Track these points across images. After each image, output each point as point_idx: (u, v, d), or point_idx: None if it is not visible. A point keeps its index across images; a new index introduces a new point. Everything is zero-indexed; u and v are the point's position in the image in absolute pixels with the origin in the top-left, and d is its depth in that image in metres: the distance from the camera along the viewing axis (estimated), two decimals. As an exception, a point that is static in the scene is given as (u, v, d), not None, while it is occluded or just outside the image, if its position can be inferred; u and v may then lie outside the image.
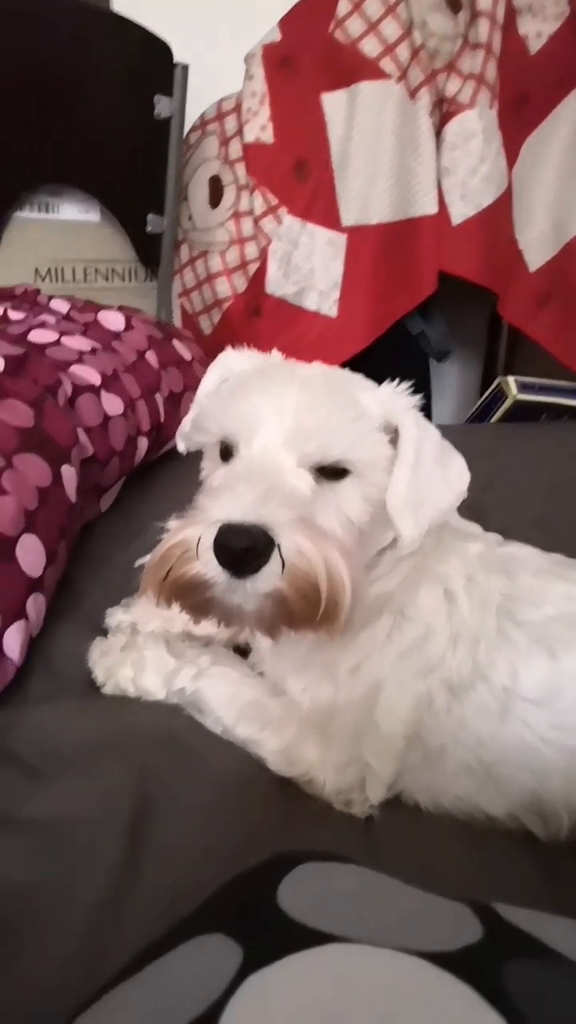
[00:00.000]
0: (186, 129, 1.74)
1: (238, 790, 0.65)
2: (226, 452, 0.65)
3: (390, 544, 0.69)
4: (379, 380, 0.70)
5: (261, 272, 1.76)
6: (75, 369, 1.04)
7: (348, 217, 1.72)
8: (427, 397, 0.70)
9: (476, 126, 1.67)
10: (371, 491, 0.64)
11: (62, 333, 1.10)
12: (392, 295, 1.76)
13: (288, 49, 1.66)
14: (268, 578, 0.55)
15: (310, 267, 1.75)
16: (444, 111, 1.69)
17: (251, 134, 1.71)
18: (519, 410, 1.79)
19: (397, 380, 0.69)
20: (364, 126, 1.66)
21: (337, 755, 0.67)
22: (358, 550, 0.65)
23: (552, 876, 0.62)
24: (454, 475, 0.68)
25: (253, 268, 1.77)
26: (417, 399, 0.68)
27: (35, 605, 0.77)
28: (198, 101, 1.74)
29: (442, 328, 1.87)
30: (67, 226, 1.67)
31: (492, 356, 2.24)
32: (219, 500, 0.57)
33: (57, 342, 1.08)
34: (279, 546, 0.54)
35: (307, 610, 0.57)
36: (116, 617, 0.84)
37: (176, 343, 1.34)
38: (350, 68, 1.63)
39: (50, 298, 1.27)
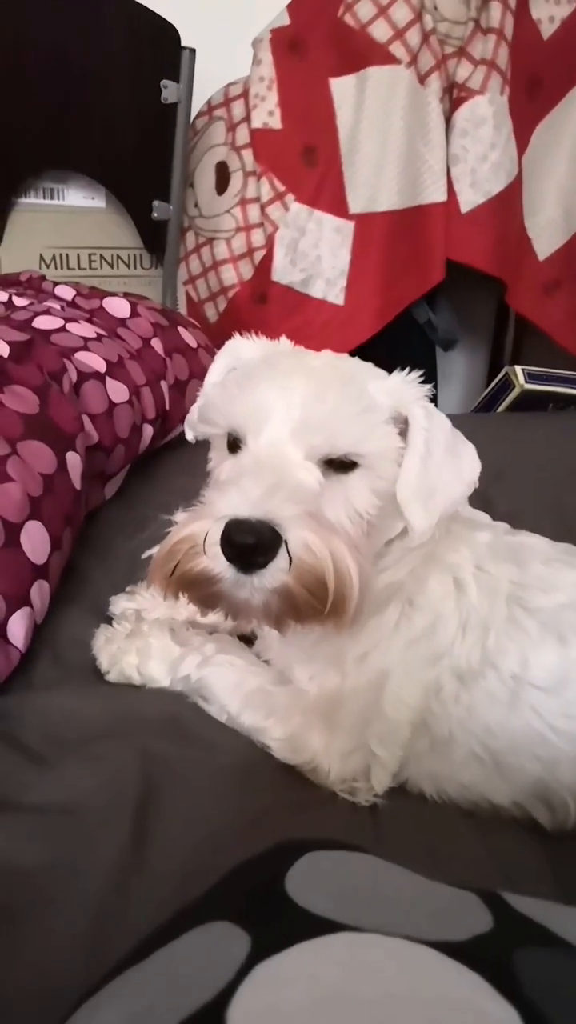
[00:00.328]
0: (193, 115, 1.73)
1: (243, 777, 0.65)
2: (233, 444, 0.65)
3: (400, 534, 0.68)
4: (386, 369, 0.69)
5: (267, 259, 1.74)
6: (80, 356, 1.04)
7: (356, 204, 1.70)
8: (434, 386, 0.69)
9: (487, 112, 1.65)
10: (380, 483, 0.63)
11: (67, 320, 1.10)
12: (399, 283, 1.75)
13: (297, 33, 1.65)
14: (275, 574, 0.54)
15: (317, 254, 1.73)
16: (454, 97, 1.68)
17: (259, 120, 1.70)
18: (526, 400, 1.79)
19: (406, 369, 0.68)
20: (373, 112, 1.64)
21: (342, 743, 0.67)
22: (367, 543, 0.64)
23: (560, 864, 0.62)
24: (465, 465, 0.67)
25: (259, 255, 1.76)
26: (427, 389, 0.67)
27: (40, 592, 0.76)
28: (205, 86, 1.72)
29: (449, 317, 1.86)
30: (72, 212, 1.66)
31: (499, 345, 2.23)
32: (226, 495, 0.56)
33: (62, 329, 1.07)
34: (286, 542, 0.54)
35: (314, 605, 0.57)
36: (121, 604, 0.84)
37: (182, 330, 1.34)
38: (359, 53, 1.62)
39: (55, 284, 1.26)
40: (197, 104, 1.73)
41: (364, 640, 0.68)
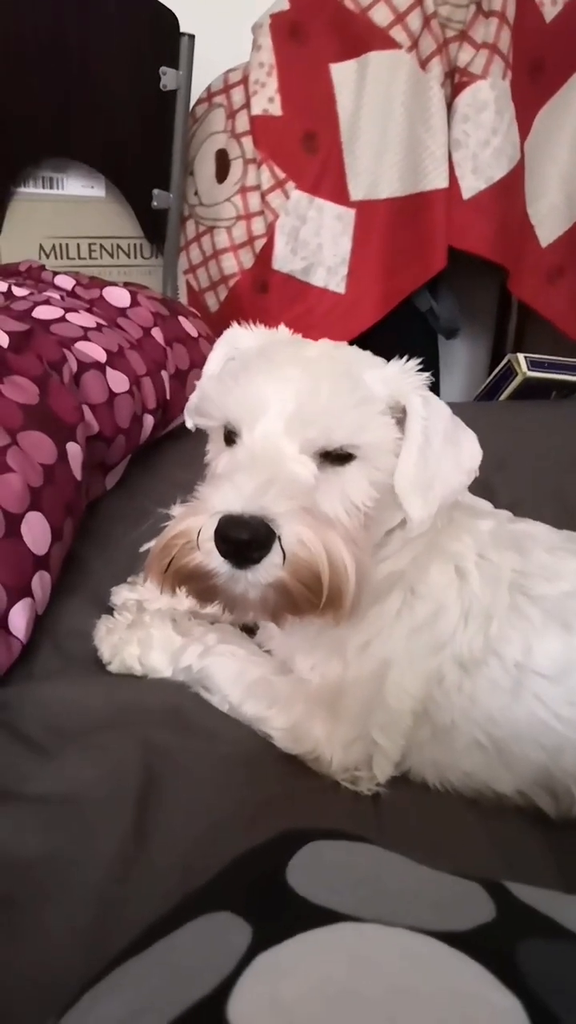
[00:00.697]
0: (192, 102, 1.71)
1: (245, 767, 0.65)
2: (230, 437, 0.64)
3: (400, 523, 0.68)
4: (387, 357, 0.69)
5: (268, 248, 1.73)
6: (80, 346, 1.03)
7: (357, 191, 1.69)
8: (435, 374, 0.69)
9: (489, 97, 1.63)
10: (377, 475, 0.63)
11: (67, 309, 1.09)
12: (401, 271, 1.74)
13: (296, 18, 1.63)
14: (270, 569, 0.55)
15: (318, 243, 1.72)
16: (456, 81, 1.66)
17: (258, 106, 1.68)
18: (528, 388, 1.78)
19: (405, 357, 0.67)
20: (374, 97, 1.63)
21: (344, 732, 0.66)
22: (365, 535, 0.64)
23: (563, 854, 0.62)
24: (465, 454, 0.67)
25: (260, 244, 1.75)
26: (425, 377, 0.67)
27: (41, 583, 0.76)
28: (204, 73, 1.71)
29: (451, 305, 1.84)
30: (72, 202, 1.65)
31: (501, 333, 2.22)
32: (220, 489, 0.56)
33: (62, 318, 1.06)
34: (279, 537, 0.54)
35: (310, 598, 0.57)
36: (122, 595, 0.83)
37: (182, 320, 1.33)
38: (360, 37, 1.60)
39: (55, 274, 1.26)
40: (196, 91, 1.72)
41: (366, 629, 0.68)
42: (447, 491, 0.65)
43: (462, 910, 0.28)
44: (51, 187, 1.62)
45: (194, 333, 1.34)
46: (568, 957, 0.26)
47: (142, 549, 0.84)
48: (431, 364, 0.67)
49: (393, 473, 0.64)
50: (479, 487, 0.75)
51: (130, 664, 0.74)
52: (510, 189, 1.72)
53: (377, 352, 0.70)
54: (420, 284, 1.76)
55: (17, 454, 0.77)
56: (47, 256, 1.63)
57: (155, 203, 1.69)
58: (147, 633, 0.74)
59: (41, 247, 1.62)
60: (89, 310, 1.14)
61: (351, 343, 0.73)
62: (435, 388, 0.67)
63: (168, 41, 1.57)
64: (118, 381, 1.05)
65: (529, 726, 0.67)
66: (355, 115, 1.65)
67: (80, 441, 0.89)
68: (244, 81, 1.71)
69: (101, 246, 1.70)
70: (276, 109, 1.67)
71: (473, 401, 1.96)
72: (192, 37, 1.58)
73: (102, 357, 1.04)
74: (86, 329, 1.07)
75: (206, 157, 1.79)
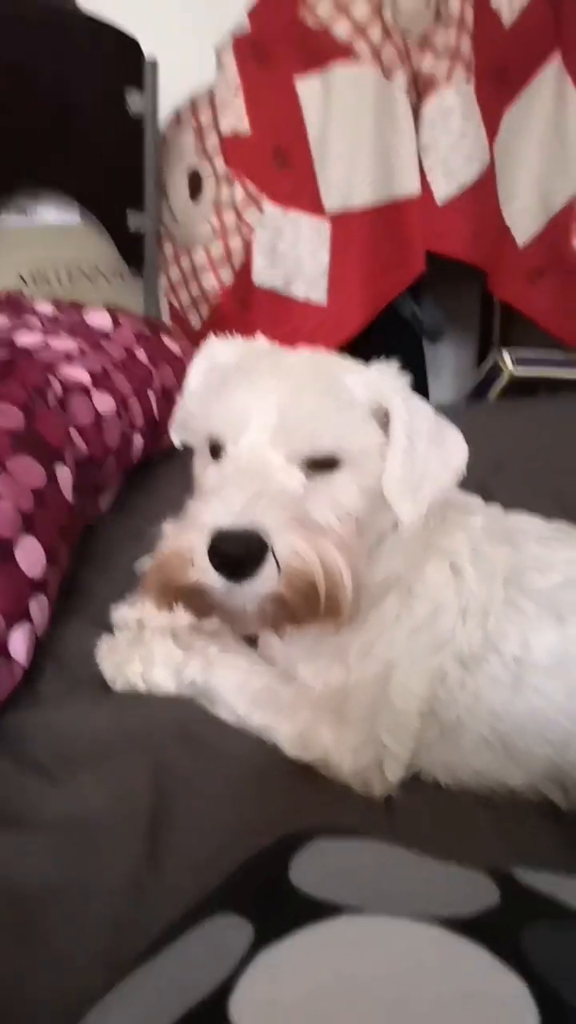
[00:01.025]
0: (161, 125, 1.73)
1: (256, 779, 0.65)
2: (215, 450, 0.64)
3: (393, 526, 0.68)
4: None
5: (247, 263, 1.75)
6: (64, 370, 1.03)
7: (331, 202, 1.71)
8: (423, 378, 0.69)
9: (454, 102, 1.66)
10: (366, 480, 0.63)
11: (48, 335, 1.09)
12: (381, 278, 1.75)
13: (258, 38, 1.65)
14: (265, 581, 0.55)
15: (296, 255, 1.73)
16: (421, 89, 1.68)
17: (227, 125, 1.70)
18: (516, 385, 1.79)
19: (386, 360, 0.68)
20: (341, 109, 1.65)
21: (353, 736, 0.66)
22: (357, 540, 0.64)
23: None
24: (451, 452, 0.67)
25: (239, 260, 1.76)
26: (406, 378, 0.67)
27: (39, 606, 0.76)
28: (172, 96, 1.73)
29: (433, 310, 1.86)
30: (48, 230, 1.66)
31: (487, 331, 2.22)
32: (210, 505, 0.57)
33: (44, 344, 1.07)
34: (273, 549, 0.54)
35: (308, 608, 0.57)
36: (122, 613, 0.83)
37: (165, 339, 1.34)
38: (323, 52, 1.62)
39: (35, 301, 1.26)
40: (164, 114, 1.74)
41: (366, 633, 0.68)
42: (436, 490, 0.65)
43: (466, 896, 0.28)
44: (26, 216, 1.63)
45: (178, 352, 1.34)
46: (573, 939, 0.26)
47: (137, 568, 0.84)
48: (418, 368, 0.68)
49: (381, 477, 0.64)
50: (476, 491, 0.75)
51: (134, 681, 0.73)
52: (483, 191, 1.74)
53: (364, 360, 0.70)
54: (401, 290, 1.77)
55: (6, 480, 0.77)
56: (27, 284, 1.63)
57: (131, 225, 1.70)
58: (148, 650, 0.74)
59: (20, 276, 1.63)
60: (71, 334, 1.14)
61: (337, 352, 0.73)
62: (424, 392, 0.68)
63: (132, 67, 1.59)
64: (104, 402, 1.05)
65: (532, 720, 0.67)
66: (323, 128, 1.67)
67: (69, 464, 0.89)
68: (211, 102, 1.72)
69: (81, 271, 1.70)
70: (245, 127, 1.69)
71: (464, 403, 1.96)
72: (155, 63, 1.61)
73: (87, 380, 1.05)
74: (69, 353, 1.07)
75: (179, 178, 1.80)
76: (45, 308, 1.23)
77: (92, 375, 1.06)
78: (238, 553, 0.54)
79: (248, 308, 1.78)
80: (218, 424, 0.63)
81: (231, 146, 1.71)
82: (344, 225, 1.71)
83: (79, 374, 1.04)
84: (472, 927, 0.25)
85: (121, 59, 1.57)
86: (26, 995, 0.46)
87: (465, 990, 0.23)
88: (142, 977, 0.27)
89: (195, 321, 1.87)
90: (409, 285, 1.77)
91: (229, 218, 1.75)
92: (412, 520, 0.64)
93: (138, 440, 1.14)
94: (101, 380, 1.07)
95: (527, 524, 0.77)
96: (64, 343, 1.09)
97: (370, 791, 0.66)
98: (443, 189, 1.71)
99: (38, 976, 0.48)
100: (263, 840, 0.56)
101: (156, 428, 1.20)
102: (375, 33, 1.60)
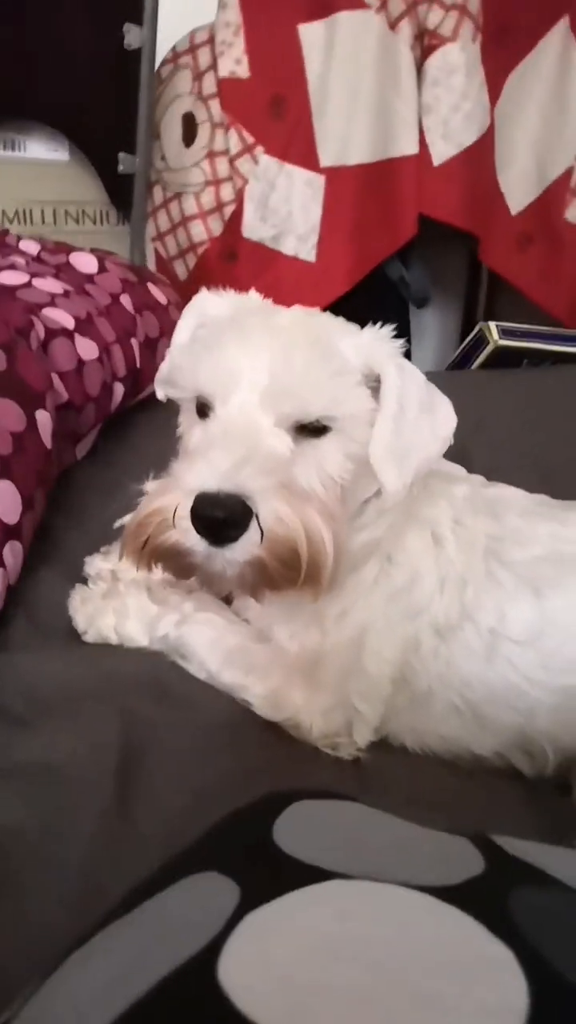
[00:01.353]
0: (157, 62, 1.66)
1: (227, 734, 0.65)
2: (202, 409, 0.63)
3: (376, 492, 0.68)
4: (359, 326, 0.68)
5: (237, 215, 1.70)
6: (48, 312, 1.01)
7: (326, 157, 1.66)
8: (407, 343, 0.68)
9: (459, 60, 1.61)
10: (354, 447, 0.62)
11: (33, 275, 1.06)
12: (371, 239, 1.72)
13: (263, -25, 1.59)
14: (247, 547, 0.54)
15: (288, 210, 1.69)
16: (426, 44, 1.63)
17: (225, 68, 1.64)
18: (500, 356, 1.78)
19: (379, 325, 0.66)
20: (343, 59, 1.60)
21: (324, 699, 0.67)
22: (342, 508, 0.63)
23: (541, 811, 0.63)
24: (440, 421, 0.66)
25: (229, 210, 1.72)
26: (400, 344, 0.66)
27: (12, 552, 0.75)
28: (170, 32, 1.66)
29: (421, 274, 1.83)
30: (35, 165, 1.60)
31: (472, 301, 2.21)
32: (195, 467, 0.56)
33: (28, 284, 1.04)
34: (257, 515, 0.53)
35: (288, 575, 0.57)
36: (96, 565, 0.82)
37: (151, 286, 1.30)
38: (329, -1, 1.57)
39: (19, 239, 1.22)
40: (162, 51, 1.67)
41: (344, 598, 0.68)
42: (422, 460, 0.65)
43: (451, 864, 0.28)
44: (13, 150, 1.57)
45: (164, 300, 1.31)
46: (559, 906, 0.26)
47: (116, 525, 0.83)
48: (403, 333, 0.67)
49: (368, 444, 0.63)
50: (458, 451, 0.75)
51: (106, 634, 0.73)
52: (480, 156, 1.71)
53: (348, 321, 0.69)
54: (391, 252, 1.74)
55: (-15, 423, 0.76)
56: (10, 222, 1.58)
57: (121, 167, 1.64)
58: (122, 602, 0.73)
59: (3, 212, 1.58)
60: (56, 276, 1.11)
61: (322, 311, 0.72)
62: (407, 357, 0.67)
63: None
64: (87, 348, 1.03)
65: (503, 690, 0.68)
66: (324, 78, 1.62)
67: (49, 409, 0.88)
68: (210, 41, 1.66)
69: (66, 211, 1.65)
70: (243, 71, 1.64)
71: (445, 370, 1.95)
72: (156, -4, 1.54)
73: (70, 324, 1.02)
74: (53, 295, 1.04)
75: (173, 120, 1.74)
76: (30, 246, 1.19)
77: (76, 320, 1.03)
78: (222, 517, 0.53)
79: (235, 260, 1.74)
80: (207, 382, 0.62)
81: (228, 89, 1.65)
82: (338, 181, 1.67)
83: (63, 317, 1.02)
84: (459, 895, 0.26)
85: (119, -11, 1.50)
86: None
87: (454, 955, 0.24)
88: (122, 931, 0.27)
89: (181, 271, 1.83)
90: (400, 248, 1.75)
91: (222, 167, 1.70)
92: (397, 489, 0.63)
93: (119, 389, 1.11)
94: (84, 326, 1.04)
95: (510, 496, 0.77)
96: (49, 284, 1.06)
97: (338, 753, 0.67)
98: (441, 151, 1.67)
99: (4, 919, 0.48)
100: (235, 794, 0.56)
101: (137, 378, 1.18)
102: (383, -19, 1.55)
